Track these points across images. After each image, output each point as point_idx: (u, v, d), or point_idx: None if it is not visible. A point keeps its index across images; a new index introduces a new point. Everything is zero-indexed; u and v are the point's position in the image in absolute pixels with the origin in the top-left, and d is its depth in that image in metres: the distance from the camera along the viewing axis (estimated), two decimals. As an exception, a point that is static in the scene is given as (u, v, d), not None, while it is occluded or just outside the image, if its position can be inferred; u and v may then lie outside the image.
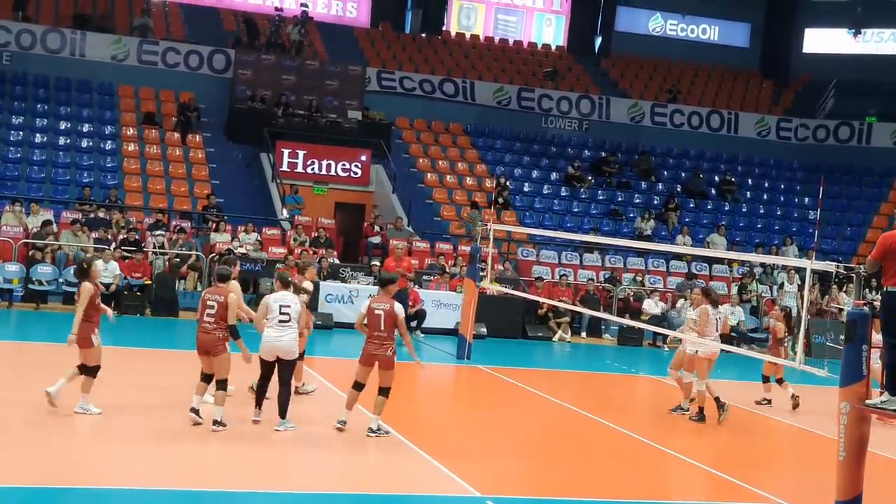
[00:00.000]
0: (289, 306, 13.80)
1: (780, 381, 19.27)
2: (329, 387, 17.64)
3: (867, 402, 10.31)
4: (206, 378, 13.66)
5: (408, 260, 26.37)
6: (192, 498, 10.75)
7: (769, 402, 19.38)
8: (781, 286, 31.32)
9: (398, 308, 13.77)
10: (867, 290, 26.43)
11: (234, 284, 14.26)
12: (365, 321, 13.79)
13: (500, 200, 33.49)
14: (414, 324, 25.39)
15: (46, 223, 26.50)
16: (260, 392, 14.18)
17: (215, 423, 13.29)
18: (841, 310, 28.59)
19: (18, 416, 13.22)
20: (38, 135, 32.40)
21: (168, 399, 15.36)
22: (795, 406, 18.88)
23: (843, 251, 36.54)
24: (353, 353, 18.80)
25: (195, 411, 13.51)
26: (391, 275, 14.87)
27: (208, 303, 13.60)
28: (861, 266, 11.02)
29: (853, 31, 43.27)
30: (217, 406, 13.41)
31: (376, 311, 13.75)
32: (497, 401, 18.18)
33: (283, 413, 13.79)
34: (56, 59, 34.36)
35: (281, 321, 13.71)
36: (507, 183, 35.21)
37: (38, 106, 33.54)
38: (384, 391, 13.81)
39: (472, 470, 12.50)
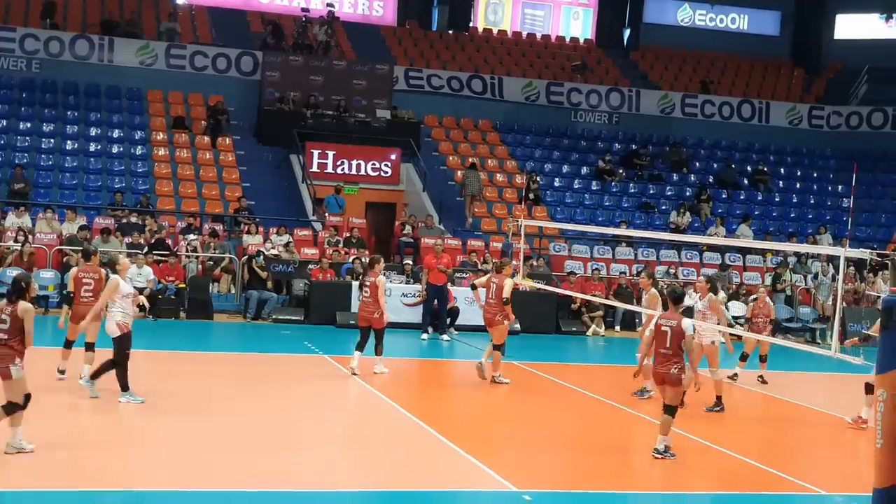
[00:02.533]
0: (90, 283, 15.30)
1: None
2: (363, 385, 17.65)
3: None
4: (70, 344, 15.78)
5: (447, 256, 26.40)
6: (224, 498, 10.75)
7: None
8: (816, 276, 31.09)
9: (686, 324, 13.31)
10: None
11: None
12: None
13: (531, 196, 33.41)
14: (447, 321, 25.40)
15: (82, 228, 26.63)
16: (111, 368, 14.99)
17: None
18: (879, 297, 28.35)
19: (52, 419, 13.29)
20: (69, 141, 32.58)
21: (203, 401, 15.46)
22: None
23: (877, 238, 36.25)
24: (387, 352, 18.90)
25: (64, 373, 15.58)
26: (681, 290, 14.40)
27: (84, 280, 15.47)
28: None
29: (885, 16, 42.88)
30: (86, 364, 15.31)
31: (663, 328, 13.35)
32: (532, 396, 18.13)
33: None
34: (85, 65, 34.54)
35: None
36: (538, 178, 35.14)
37: (69, 113, 33.69)
38: (669, 409, 13.30)
39: (508, 465, 12.48)
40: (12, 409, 11.33)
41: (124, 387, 14.63)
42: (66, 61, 34.41)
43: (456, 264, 28.17)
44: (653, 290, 18.42)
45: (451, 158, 36.07)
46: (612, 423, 16.45)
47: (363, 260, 27.16)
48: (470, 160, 34.50)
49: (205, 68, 35.50)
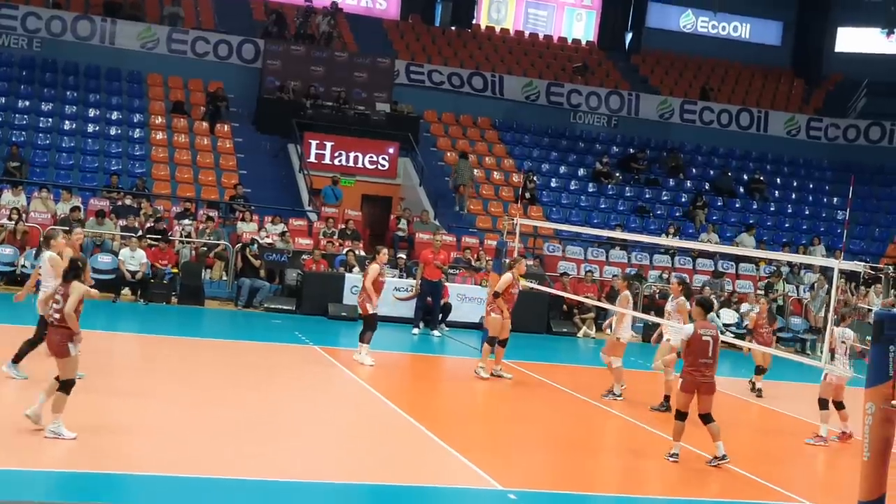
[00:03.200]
0: (39, 266, 14.89)
1: None
2: (352, 377, 17.65)
3: (893, 402, 10.23)
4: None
5: (444, 252, 26.41)
6: (220, 486, 10.76)
7: None
8: (812, 288, 31.09)
9: (719, 332, 13.34)
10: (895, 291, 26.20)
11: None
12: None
13: (528, 195, 33.40)
14: (439, 317, 25.39)
15: (74, 209, 26.57)
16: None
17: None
18: (870, 310, 28.38)
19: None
20: (66, 122, 32.51)
21: (191, 388, 15.45)
22: None
23: (871, 252, 36.29)
24: (376, 345, 18.93)
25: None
26: (711, 299, 14.44)
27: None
28: (890, 266, 10.92)
29: (886, 30, 42.87)
30: None
31: (704, 338, 13.25)
32: (520, 395, 18.14)
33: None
34: (86, 46, 34.44)
35: None
36: (535, 178, 35.13)
37: (68, 93, 33.63)
38: (709, 416, 13.45)
39: (494, 463, 12.49)
40: (69, 387, 11.62)
41: (18, 358, 14.38)
42: (68, 41, 34.32)
43: (449, 261, 28.20)
44: (626, 292, 18.52)
45: (448, 154, 36.04)
46: (600, 424, 16.49)
47: (357, 252, 27.22)
48: (461, 151, 34.61)
49: (206, 54, 35.44)
